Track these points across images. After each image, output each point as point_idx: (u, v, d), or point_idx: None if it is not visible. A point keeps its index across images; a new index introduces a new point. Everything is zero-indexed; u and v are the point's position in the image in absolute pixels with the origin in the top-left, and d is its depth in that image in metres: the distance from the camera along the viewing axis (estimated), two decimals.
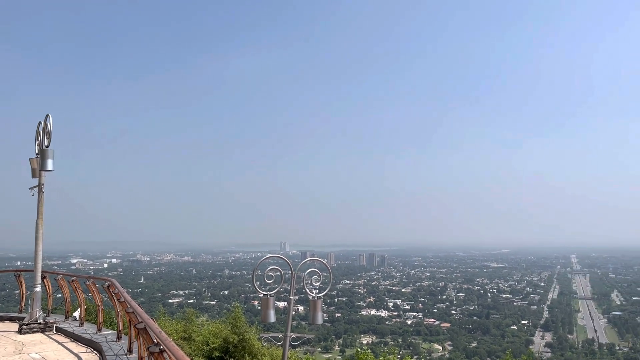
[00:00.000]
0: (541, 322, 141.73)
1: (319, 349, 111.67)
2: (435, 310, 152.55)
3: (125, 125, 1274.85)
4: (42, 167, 18.11)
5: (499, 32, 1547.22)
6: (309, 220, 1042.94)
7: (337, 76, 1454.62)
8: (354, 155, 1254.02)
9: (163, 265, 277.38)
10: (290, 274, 16.32)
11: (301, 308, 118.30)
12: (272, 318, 16.00)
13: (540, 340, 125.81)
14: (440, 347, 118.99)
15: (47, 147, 18.14)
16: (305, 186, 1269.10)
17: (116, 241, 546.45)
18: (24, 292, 21.87)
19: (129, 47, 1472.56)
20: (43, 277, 19.33)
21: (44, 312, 18.88)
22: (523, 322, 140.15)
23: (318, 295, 16.47)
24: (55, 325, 18.07)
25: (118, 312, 15.77)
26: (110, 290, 15.56)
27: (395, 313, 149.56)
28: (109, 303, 17.91)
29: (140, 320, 9.94)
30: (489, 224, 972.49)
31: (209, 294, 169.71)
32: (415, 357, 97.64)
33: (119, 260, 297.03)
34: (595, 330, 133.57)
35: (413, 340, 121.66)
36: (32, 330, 17.56)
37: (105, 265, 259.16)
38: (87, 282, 18.06)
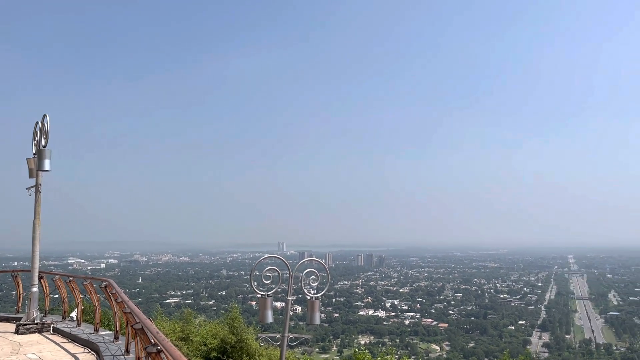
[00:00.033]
0: (538, 322, 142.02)
1: (317, 349, 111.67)
2: (433, 311, 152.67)
3: (124, 125, 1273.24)
4: (40, 167, 18.11)
5: (499, 32, 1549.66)
6: (307, 221, 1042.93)
7: (337, 76, 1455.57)
8: (353, 156, 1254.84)
9: (161, 265, 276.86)
10: (288, 274, 16.32)
11: (299, 308, 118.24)
12: (270, 318, 16.00)
13: (537, 341, 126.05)
14: (438, 348, 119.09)
15: (44, 147, 18.14)
16: (304, 186, 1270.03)
17: (114, 241, 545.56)
18: (21, 292, 21.85)
19: (128, 47, 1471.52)
20: (40, 278, 19.32)
21: (41, 313, 18.87)
22: (520, 322, 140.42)
23: (316, 295, 16.48)
24: (52, 325, 18.06)
25: (115, 312, 15.77)
26: (108, 290, 15.56)
27: (393, 313, 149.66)
28: (106, 303, 17.90)
29: (137, 321, 9.94)
30: (487, 224, 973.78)
31: (207, 295, 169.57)
32: (413, 357, 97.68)
33: (116, 261, 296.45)
34: (593, 331, 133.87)
35: (411, 341, 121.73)
36: (29, 331, 17.53)
37: (103, 265, 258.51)
38: (85, 283, 18.06)
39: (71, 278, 19.42)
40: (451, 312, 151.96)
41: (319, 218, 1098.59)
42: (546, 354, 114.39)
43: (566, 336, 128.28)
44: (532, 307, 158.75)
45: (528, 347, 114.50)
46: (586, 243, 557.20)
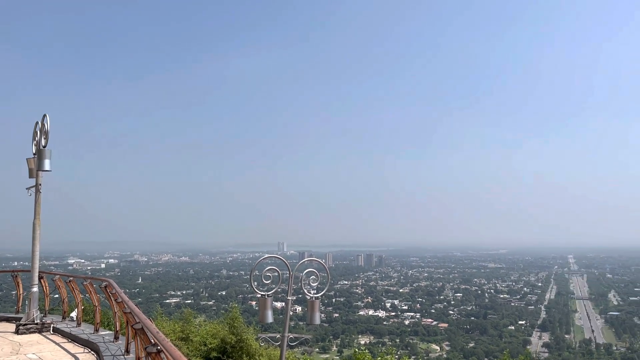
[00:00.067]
0: (538, 322, 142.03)
1: (317, 349, 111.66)
2: (433, 311, 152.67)
3: (124, 125, 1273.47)
4: (40, 167, 18.12)
5: (499, 32, 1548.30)
6: (307, 221, 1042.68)
7: (337, 76, 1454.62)
8: (353, 156, 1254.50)
9: (161, 265, 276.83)
10: (288, 274, 16.32)
11: (299, 308, 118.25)
12: (270, 318, 16.00)
13: (537, 341, 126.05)
14: (438, 348, 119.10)
15: (44, 147, 18.14)
16: (304, 186, 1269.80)
17: (114, 241, 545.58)
18: (21, 292, 21.86)
19: (128, 47, 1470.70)
20: (40, 278, 19.32)
21: (41, 313, 18.87)
22: (520, 322, 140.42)
23: (316, 295, 16.47)
24: (52, 325, 18.06)
25: (115, 312, 15.77)
26: (108, 290, 15.56)
27: (393, 313, 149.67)
28: (106, 303, 17.90)
29: (137, 321, 9.94)
30: (487, 224, 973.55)
31: (207, 295, 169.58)
32: (413, 357, 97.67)
33: (116, 261, 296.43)
34: (593, 331, 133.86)
35: (411, 341, 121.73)
36: (29, 331, 17.53)
37: (103, 265, 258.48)
38: (85, 283, 18.06)
39: (71, 278, 19.42)
40: (451, 312, 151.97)
41: (319, 218, 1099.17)
42: (546, 354, 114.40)
43: (566, 336, 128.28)
44: (532, 307, 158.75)
45: (528, 347, 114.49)
46: (586, 243, 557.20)
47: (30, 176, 18.43)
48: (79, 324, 18.69)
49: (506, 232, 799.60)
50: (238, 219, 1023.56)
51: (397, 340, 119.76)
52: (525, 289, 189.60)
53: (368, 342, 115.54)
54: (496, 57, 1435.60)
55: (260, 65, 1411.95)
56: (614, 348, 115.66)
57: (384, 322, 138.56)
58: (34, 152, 18.58)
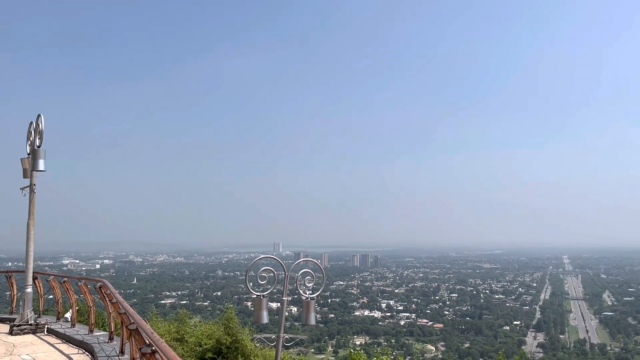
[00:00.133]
0: (533, 322, 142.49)
1: (312, 349, 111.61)
2: (428, 311, 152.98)
3: (123, 125, 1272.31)
4: (34, 167, 18.05)
5: (500, 33, 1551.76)
6: (303, 221, 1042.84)
7: (337, 77, 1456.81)
8: (351, 156, 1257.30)
9: (156, 266, 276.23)
10: (283, 275, 16.31)
11: (294, 309, 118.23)
12: (265, 319, 15.98)
13: (532, 341, 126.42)
14: (433, 348, 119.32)
15: (38, 147, 18.08)
16: (300, 187, 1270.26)
17: (109, 242, 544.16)
18: (15, 293, 21.75)
19: (128, 47, 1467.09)
20: (34, 278, 19.24)
21: (35, 314, 18.79)
22: (515, 322, 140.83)
23: (311, 296, 16.47)
24: (46, 326, 17.98)
25: (110, 313, 15.71)
26: (102, 291, 15.51)
27: (389, 314, 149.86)
28: (101, 304, 17.85)
29: (132, 321, 9.91)
30: (482, 224, 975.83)
31: (202, 295, 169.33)
32: (408, 357, 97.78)
33: (111, 261, 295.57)
34: (587, 331, 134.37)
35: (406, 341, 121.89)
36: (23, 332, 17.45)
37: (98, 266, 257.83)
38: (79, 283, 17.99)
39: (65, 279, 19.33)
40: (446, 312, 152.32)
41: (315, 218, 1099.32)
42: (541, 354, 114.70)
43: (561, 336, 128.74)
44: (527, 307, 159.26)
45: (523, 347, 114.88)
46: (581, 243, 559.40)
47: (25, 176, 18.35)
48: (73, 325, 18.61)
49: (501, 232, 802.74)
50: (233, 219, 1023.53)
51: (393, 341, 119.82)
52: (520, 289, 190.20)
53: (363, 342, 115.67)
54: (496, 57, 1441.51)
55: (260, 65, 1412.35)
56: (608, 348, 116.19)
57: (380, 323, 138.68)
58: (28, 152, 18.51)
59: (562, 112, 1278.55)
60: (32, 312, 18.19)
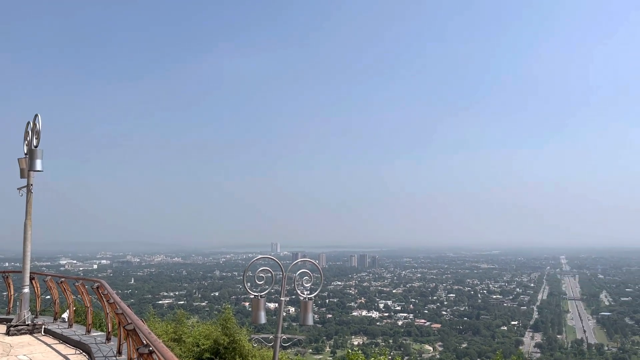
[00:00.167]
0: (531, 322, 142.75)
1: (310, 350, 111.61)
2: (426, 311, 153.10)
3: (122, 126, 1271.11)
4: (31, 167, 18.01)
5: (499, 33, 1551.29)
6: (301, 221, 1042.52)
7: (337, 77, 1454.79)
8: (350, 156, 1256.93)
9: (153, 266, 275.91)
10: (281, 275, 16.30)
11: (292, 309, 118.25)
12: (263, 319, 15.97)
13: (530, 341, 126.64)
14: (431, 348, 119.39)
15: (36, 147, 18.04)
16: (299, 187, 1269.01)
17: (106, 242, 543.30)
18: (12, 293, 21.70)
19: (128, 47, 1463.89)
20: (31, 279, 19.19)
21: (32, 314, 18.74)
22: (513, 322, 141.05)
23: (309, 296, 16.46)
24: (43, 326, 17.94)
25: (107, 313, 15.68)
26: (100, 291, 15.49)
27: (386, 314, 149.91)
28: (98, 304, 17.81)
29: (129, 322, 9.91)
30: (480, 225, 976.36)
31: (200, 295, 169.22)
32: (406, 358, 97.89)
33: (108, 262, 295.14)
34: (584, 331, 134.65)
35: (404, 341, 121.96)
36: (20, 332, 17.41)
37: (95, 266, 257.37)
38: (76, 284, 17.96)
39: (63, 279, 19.29)
40: (444, 312, 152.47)
41: (313, 219, 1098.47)
42: (538, 354, 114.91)
43: (558, 336, 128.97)
44: (525, 307, 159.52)
45: (520, 347, 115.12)
46: (580, 243, 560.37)
47: (22, 176, 18.31)
48: (70, 325, 18.57)
49: (501, 232, 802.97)
50: (231, 219, 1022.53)
51: (390, 341, 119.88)
52: (518, 289, 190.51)
53: (361, 342, 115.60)
54: (496, 57, 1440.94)
55: (260, 65, 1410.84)
56: (606, 348, 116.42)
57: (377, 323, 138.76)
58: (25, 152, 18.47)
59: (562, 112, 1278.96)
60: (29, 313, 18.13)
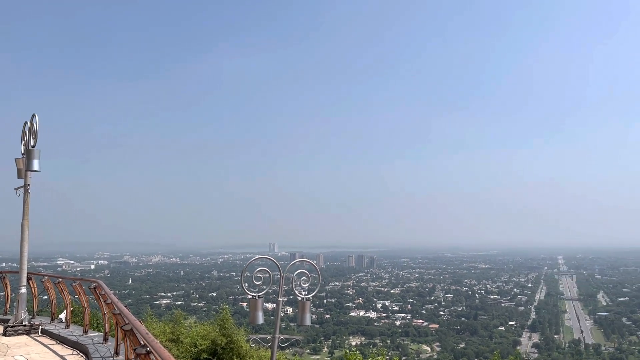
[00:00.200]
0: (528, 323, 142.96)
1: (308, 350, 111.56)
2: (424, 312, 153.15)
3: (122, 126, 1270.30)
4: (28, 167, 17.99)
5: (498, 33, 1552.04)
6: (299, 222, 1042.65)
7: (336, 77, 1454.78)
8: (349, 157, 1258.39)
9: (151, 266, 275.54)
10: (279, 276, 16.29)
11: (290, 309, 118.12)
12: (261, 319, 15.97)
13: (527, 341, 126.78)
14: (429, 348, 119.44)
15: (33, 147, 18.01)
16: (297, 187, 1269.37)
17: (103, 242, 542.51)
18: (9, 293, 21.64)
19: (128, 47, 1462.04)
20: (29, 279, 19.17)
21: (29, 314, 18.70)
22: (510, 323, 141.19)
23: (307, 296, 16.46)
24: (40, 327, 17.91)
25: (105, 313, 15.65)
26: (97, 291, 15.46)
27: (384, 314, 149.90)
28: (95, 305, 17.78)
29: (127, 322, 9.89)
30: (478, 225, 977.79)
31: (197, 296, 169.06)
32: (404, 358, 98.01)
33: (106, 262, 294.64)
34: (582, 331, 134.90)
35: (402, 342, 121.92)
36: (17, 333, 17.37)
37: (92, 266, 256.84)
38: (74, 284, 17.92)
39: (60, 279, 19.26)
40: (442, 312, 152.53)
41: (312, 219, 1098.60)
42: (536, 355, 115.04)
43: (555, 337, 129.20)
44: (522, 307, 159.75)
45: (518, 347, 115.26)
46: (579, 243, 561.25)
47: (19, 176, 18.28)
48: (67, 326, 18.54)
49: (500, 232, 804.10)
50: (229, 220, 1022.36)
51: (388, 341, 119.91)
52: (515, 289, 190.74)
53: (359, 343, 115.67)
54: (495, 57, 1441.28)
55: (260, 65, 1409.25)
56: (603, 348, 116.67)
57: (375, 323, 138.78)
58: (22, 152, 18.44)
59: (560, 112, 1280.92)
60: (26, 313, 18.11)
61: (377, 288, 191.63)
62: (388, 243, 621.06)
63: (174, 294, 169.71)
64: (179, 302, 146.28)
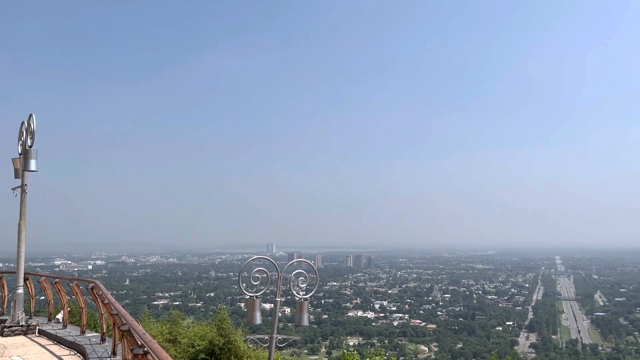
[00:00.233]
0: (526, 323, 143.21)
1: (306, 350, 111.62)
2: (422, 312, 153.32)
3: (122, 126, 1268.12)
4: (25, 167, 17.96)
5: (497, 33, 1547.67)
6: (297, 222, 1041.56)
7: (337, 77, 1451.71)
8: (347, 157, 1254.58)
9: (148, 267, 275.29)
10: (276, 276, 16.27)
11: (287, 310, 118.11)
12: (258, 320, 15.95)
13: (525, 341, 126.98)
14: (426, 348, 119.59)
15: (30, 147, 17.99)
16: (297, 187, 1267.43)
17: (101, 242, 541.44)
18: (6, 294, 21.60)
19: (128, 47, 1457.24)
20: (26, 279, 19.12)
21: (26, 315, 18.67)
22: (508, 323, 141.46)
23: (304, 296, 16.45)
24: (37, 327, 17.86)
25: (102, 314, 15.63)
26: (94, 292, 15.43)
27: (382, 314, 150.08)
28: (93, 305, 17.76)
29: (124, 322, 9.87)
30: (476, 225, 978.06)
31: (195, 296, 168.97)
32: (402, 358, 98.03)
33: (103, 262, 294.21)
34: (579, 331, 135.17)
35: (399, 342, 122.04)
36: (14, 333, 17.33)
37: (90, 267, 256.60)
38: (71, 284, 17.90)
39: (57, 279, 19.22)
40: (439, 313, 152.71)
41: (310, 219, 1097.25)
42: (533, 355, 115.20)
43: (553, 337, 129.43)
44: (520, 308, 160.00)
45: (515, 347, 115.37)
46: (578, 244, 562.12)
47: (16, 176, 18.26)
48: (65, 326, 18.50)
49: (496, 233, 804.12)
50: (227, 220, 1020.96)
51: (386, 341, 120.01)
52: (513, 290, 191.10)
53: (357, 343, 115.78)
54: (494, 57, 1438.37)
55: (260, 65, 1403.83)
56: (600, 348, 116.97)
57: (373, 323, 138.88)
58: (19, 152, 18.42)
59: (559, 112, 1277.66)
60: (23, 313, 18.07)
61: (375, 288, 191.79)
62: (386, 243, 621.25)
63: (172, 294, 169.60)
64: (177, 303, 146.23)
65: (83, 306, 17.58)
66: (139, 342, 8.41)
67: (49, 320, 19.75)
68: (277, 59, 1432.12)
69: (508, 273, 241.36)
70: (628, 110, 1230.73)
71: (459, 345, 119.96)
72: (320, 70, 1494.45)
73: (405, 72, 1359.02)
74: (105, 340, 15.83)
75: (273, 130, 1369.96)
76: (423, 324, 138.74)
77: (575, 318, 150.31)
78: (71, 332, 17.48)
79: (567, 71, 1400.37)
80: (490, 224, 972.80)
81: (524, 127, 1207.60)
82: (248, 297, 15.91)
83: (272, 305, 16.89)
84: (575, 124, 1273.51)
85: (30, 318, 19.12)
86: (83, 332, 17.25)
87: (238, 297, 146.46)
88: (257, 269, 16.32)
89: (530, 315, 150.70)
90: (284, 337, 16.64)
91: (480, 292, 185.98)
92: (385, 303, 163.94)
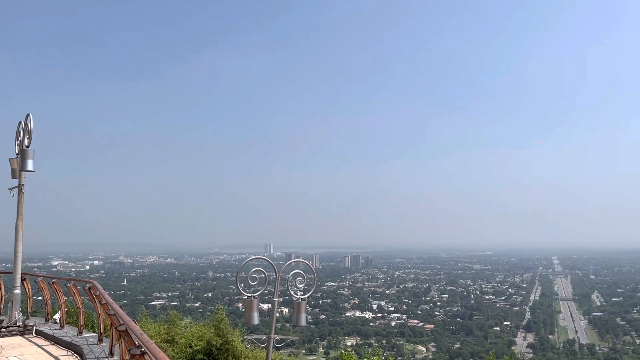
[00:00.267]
0: (523, 323, 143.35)
1: (303, 350, 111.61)
2: (419, 312, 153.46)
3: (122, 126, 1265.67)
4: (22, 167, 17.95)
5: (496, 33, 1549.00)
6: (295, 222, 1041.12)
7: (337, 77, 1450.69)
8: (346, 157, 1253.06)
9: (146, 267, 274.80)
10: (274, 276, 16.27)
11: (285, 310, 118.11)
12: (256, 320, 15.94)
13: (522, 341, 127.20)
14: (424, 349, 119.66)
15: (27, 147, 17.96)
16: (294, 188, 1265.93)
17: (98, 243, 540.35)
18: (3, 294, 21.55)
19: (128, 47, 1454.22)
20: (23, 279, 19.09)
21: (23, 315, 18.63)
22: (505, 323, 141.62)
23: (302, 297, 16.45)
24: (35, 328, 17.84)
25: (99, 314, 15.61)
26: (92, 292, 15.42)
27: (380, 314, 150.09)
28: (90, 305, 17.73)
29: (121, 323, 9.87)
30: (473, 225, 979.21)
31: (193, 296, 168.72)
32: (399, 358, 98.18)
33: (101, 262, 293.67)
34: (576, 331, 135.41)
35: (397, 342, 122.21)
36: (11, 333, 17.30)
37: (87, 267, 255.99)
38: (68, 284, 17.88)
39: (54, 280, 19.21)
40: (437, 313, 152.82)
41: (309, 219, 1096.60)
42: (531, 355, 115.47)
43: (550, 337, 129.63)
44: (517, 308, 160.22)
45: (513, 347, 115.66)
46: (574, 244, 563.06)
47: (13, 176, 18.23)
48: (62, 326, 18.48)
49: (496, 233, 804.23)
50: (225, 220, 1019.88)
51: (384, 342, 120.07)
52: (510, 290, 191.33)
53: (354, 343, 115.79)
54: (494, 57, 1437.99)
55: (260, 65, 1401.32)
56: (597, 348, 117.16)
57: (371, 324, 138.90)
58: (16, 152, 18.39)
59: (559, 112, 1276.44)
60: (21, 314, 18.04)
61: (373, 288, 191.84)
62: (384, 243, 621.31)
63: (169, 294, 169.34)
64: (174, 303, 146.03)
65: (80, 306, 17.56)
66: (137, 343, 8.41)
67: (46, 320, 19.72)
68: (277, 59, 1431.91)
69: (506, 273, 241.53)
70: (628, 110, 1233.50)
71: (457, 346, 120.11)
72: (320, 70, 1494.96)
73: (405, 72, 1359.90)
74: (102, 340, 15.81)
75: (273, 130, 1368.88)
76: (421, 324, 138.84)
77: (572, 318, 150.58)
78: (68, 333, 17.46)
79: (566, 71, 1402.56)
80: (489, 224, 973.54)
81: (524, 127, 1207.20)
82: (246, 297, 15.90)
83: (270, 305, 16.89)
84: (575, 124, 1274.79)
85: (27, 318, 19.10)
86: (80, 333, 17.22)
87: (236, 297, 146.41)
88: (254, 269, 16.31)
89: (528, 316, 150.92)
90: (282, 337, 16.65)
91: (477, 292, 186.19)
92: (382, 303, 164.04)
